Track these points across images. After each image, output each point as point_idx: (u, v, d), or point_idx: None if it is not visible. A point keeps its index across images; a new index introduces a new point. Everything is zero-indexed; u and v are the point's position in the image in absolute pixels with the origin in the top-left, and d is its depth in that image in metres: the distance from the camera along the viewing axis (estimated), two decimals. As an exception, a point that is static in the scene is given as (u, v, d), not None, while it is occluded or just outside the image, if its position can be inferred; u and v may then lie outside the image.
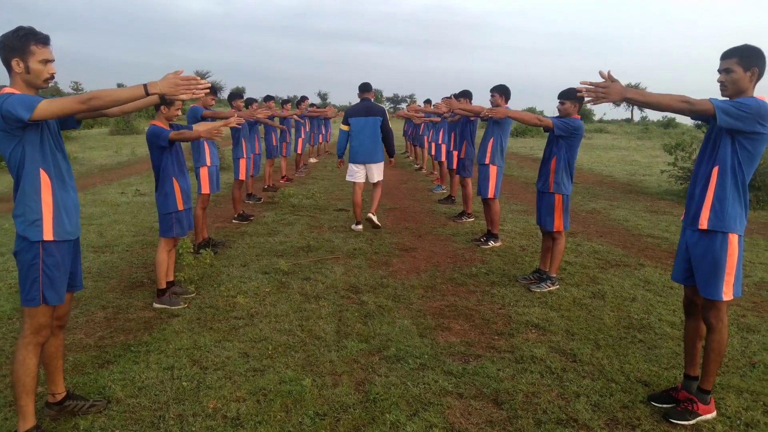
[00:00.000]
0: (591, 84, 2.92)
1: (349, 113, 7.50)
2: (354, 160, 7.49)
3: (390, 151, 7.65)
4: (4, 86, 2.67)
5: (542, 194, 5.22)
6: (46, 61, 2.64)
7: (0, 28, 3.00)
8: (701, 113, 2.90)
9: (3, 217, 7.93)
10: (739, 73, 2.89)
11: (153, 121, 4.53)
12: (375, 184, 7.68)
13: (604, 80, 2.94)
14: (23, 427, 2.71)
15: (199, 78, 2.79)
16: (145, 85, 2.65)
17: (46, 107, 2.50)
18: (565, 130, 4.94)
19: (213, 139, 4.69)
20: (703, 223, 3.00)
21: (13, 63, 2.59)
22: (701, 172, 3.07)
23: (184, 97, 2.84)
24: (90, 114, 3.03)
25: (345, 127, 7.52)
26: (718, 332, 3.03)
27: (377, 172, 7.56)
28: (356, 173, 7.53)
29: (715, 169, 2.96)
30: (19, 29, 2.60)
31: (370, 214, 7.63)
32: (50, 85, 2.79)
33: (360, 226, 7.62)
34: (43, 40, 2.63)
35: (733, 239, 2.97)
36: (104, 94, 2.60)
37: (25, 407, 2.71)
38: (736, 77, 2.89)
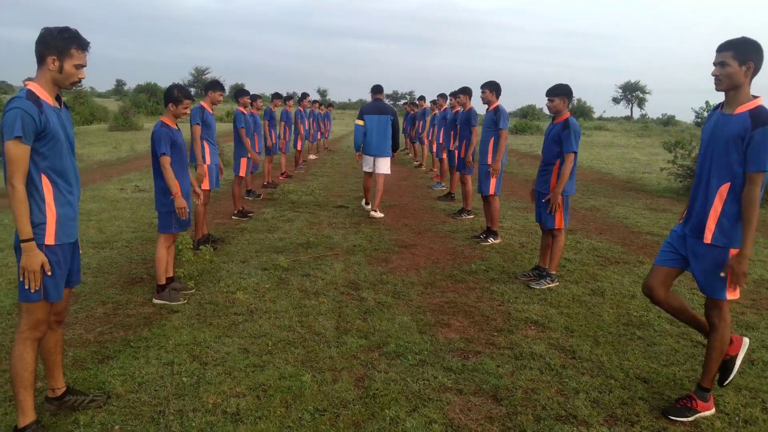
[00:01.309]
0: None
1: (364, 110, 8.21)
2: (366, 152, 8.25)
3: (395, 146, 8.44)
4: (30, 79, 2.67)
5: (542, 194, 5.19)
6: (80, 66, 2.67)
7: (-1, 26, 3.01)
8: None
9: (2, 212, 7.92)
10: (734, 67, 2.81)
11: (163, 118, 4.51)
12: (377, 176, 8.27)
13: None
14: (23, 422, 2.72)
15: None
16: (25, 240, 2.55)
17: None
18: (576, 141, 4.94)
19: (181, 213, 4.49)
20: (708, 237, 2.95)
21: (49, 60, 2.60)
22: (706, 180, 2.98)
23: None
24: None
25: (360, 122, 8.20)
26: (720, 331, 3.02)
27: (384, 164, 8.23)
28: (369, 163, 8.29)
29: (726, 185, 2.89)
30: (66, 30, 2.62)
31: (373, 213, 8.32)
32: (75, 87, 2.80)
33: (369, 205, 8.54)
34: (84, 46, 2.67)
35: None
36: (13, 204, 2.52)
37: (24, 402, 2.71)
38: (731, 71, 2.82)
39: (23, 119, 2.48)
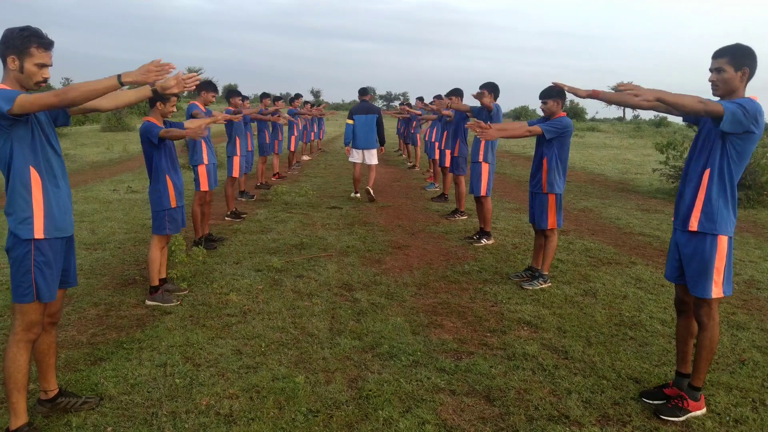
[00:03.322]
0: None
1: (354, 111, 9.76)
2: (355, 147, 9.81)
3: (381, 141, 9.94)
4: None
5: (535, 194, 5.23)
6: (43, 65, 2.64)
7: (-4, 24, 3.00)
8: (707, 114, 2.83)
9: (-7, 213, 7.86)
10: (730, 72, 2.89)
11: (147, 117, 4.51)
12: (370, 167, 9.89)
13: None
14: (15, 425, 2.71)
15: (172, 65, 2.76)
16: (119, 75, 2.62)
17: (25, 99, 2.49)
18: (555, 132, 4.94)
19: (197, 137, 4.63)
20: (693, 224, 3.01)
21: (9, 59, 2.59)
22: (691, 172, 3.08)
23: (174, 89, 2.87)
24: (79, 109, 2.98)
25: (350, 122, 9.71)
26: (710, 330, 3.05)
27: (371, 156, 9.85)
28: (356, 156, 9.87)
29: (707, 172, 2.97)
30: (26, 29, 2.60)
31: (368, 187, 9.72)
32: (40, 88, 2.76)
33: (358, 194, 9.94)
34: (46, 45, 2.64)
35: (723, 240, 2.99)
36: (79, 86, 2.57)
37: (17, 404, 2.70)
38: (728, 77, 2.90)
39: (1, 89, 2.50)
